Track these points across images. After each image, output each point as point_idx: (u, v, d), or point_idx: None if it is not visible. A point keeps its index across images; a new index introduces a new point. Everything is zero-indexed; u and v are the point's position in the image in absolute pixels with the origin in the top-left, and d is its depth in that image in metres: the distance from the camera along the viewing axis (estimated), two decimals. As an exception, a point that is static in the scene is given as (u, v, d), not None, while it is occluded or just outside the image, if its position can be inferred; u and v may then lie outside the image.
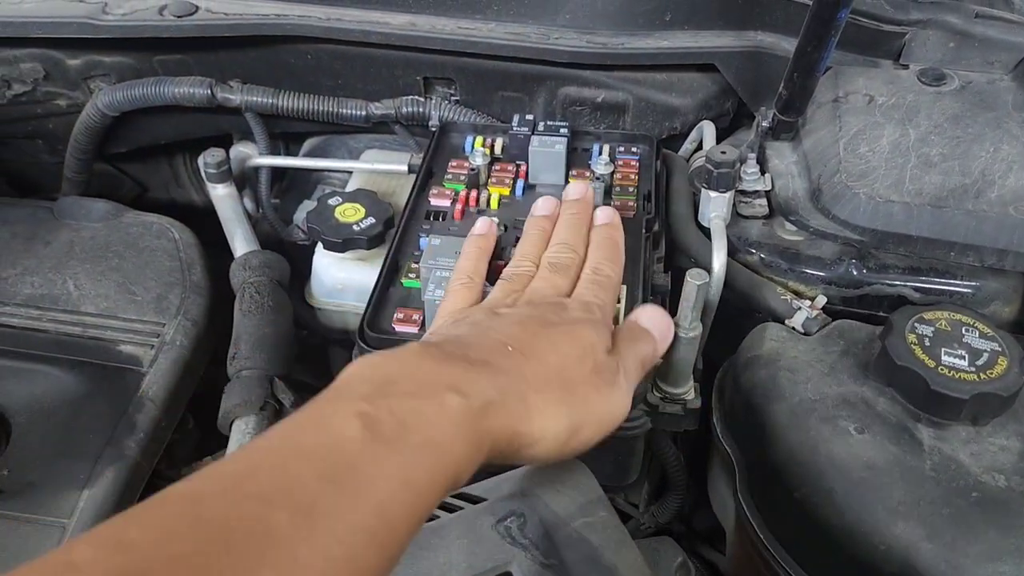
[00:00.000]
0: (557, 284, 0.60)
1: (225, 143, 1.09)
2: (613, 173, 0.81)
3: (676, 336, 0.63)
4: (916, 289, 0.74)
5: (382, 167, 0.98)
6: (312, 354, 1.03)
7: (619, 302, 0.65)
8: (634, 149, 0.85)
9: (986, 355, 0.62)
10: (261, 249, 0.95)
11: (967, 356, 0.62)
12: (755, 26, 0.89)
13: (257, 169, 1.06)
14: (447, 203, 0.79)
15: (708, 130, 0.87)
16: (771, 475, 0.62)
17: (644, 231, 0.75)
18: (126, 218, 0.96)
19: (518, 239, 0.70)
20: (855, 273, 0.75)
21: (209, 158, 0.95)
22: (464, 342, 0.50)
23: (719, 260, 0.72)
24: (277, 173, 1.12)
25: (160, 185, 1.24)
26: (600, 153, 0.83)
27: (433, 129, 0.88)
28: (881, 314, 0.75)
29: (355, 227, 0.87)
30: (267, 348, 0.84)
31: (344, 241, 0.86)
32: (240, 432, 0.79)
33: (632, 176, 0.81)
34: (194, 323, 0.85)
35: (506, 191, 0.80)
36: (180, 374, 0.81)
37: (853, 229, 0.73)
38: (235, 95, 0.95)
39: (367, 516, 0.35)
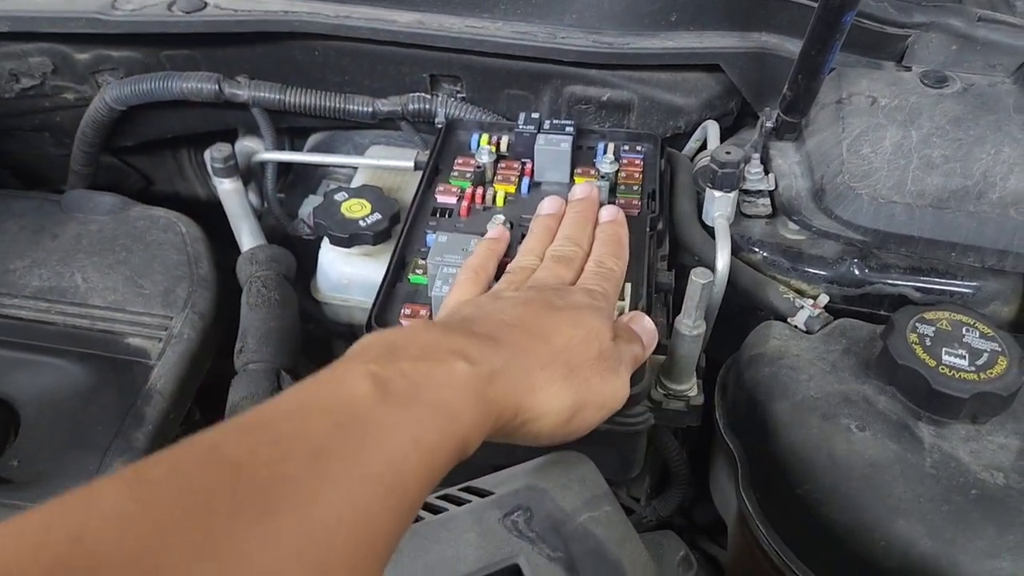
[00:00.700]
0: (560, 274, 0.61)
1: (230, 137, 1.10)
2: (618, 171, 0.82)
3: (680, 334, 0.64)
4: (917, 289, 0.75)
5: (388, 163, 0.99)
6: (317, 349, 1.04)
7: (623, 299, 0.66)
8: (639, 148, 0.86)
9: (986, 355, 0.63)
10: (267, 244, 0.96)
11: (967, 356, 0.63)
12: (760, 27, 0.89)
13: (263, 164, 1.06)
14: (453, 200, 0.80)
15: (712, 129, 0.88)
16: (773, 471, 0.63)
17: (648, 229, 0.75)
18: (133, 211, 0.97)
19: (523, 236, 0.71)
20: (857, 273, 0.76)
21: (216, 153, 0.95)
22: (469, 319, 0.52)
23: (723, 259, 0.73)
24: (282, 168, 1.12)
25: (165, 178, 1.25)
26: (605, 152, 0.84)
27: (439, 126, 0.89)
28: (882, 313, 0.76)
29: (361, 223, 0.88)
30: (273, 342, 0.84)
31: (350, 236, 0.87)
32: (247, 425, 0.80)
33: (636, 175, 0.82)
34: (201, 316, 0.86)
35: (512, 189, 0.81)
36: (188, 367, 0.82)
37: (855, 229, 0.74)
38: (242, 90, 0.96)
39: (379, 467, 0.36)
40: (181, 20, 0.88)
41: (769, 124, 0.82)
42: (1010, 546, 0.55)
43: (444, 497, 0.58)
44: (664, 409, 0.68)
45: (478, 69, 0.93)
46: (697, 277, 0.61)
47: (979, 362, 0.62)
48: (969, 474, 0.59)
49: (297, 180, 1.16)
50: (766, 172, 0.81)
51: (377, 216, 0.88)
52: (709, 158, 0.76)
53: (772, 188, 0.80)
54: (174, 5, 0.90)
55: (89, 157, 1.05)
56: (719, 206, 0.75)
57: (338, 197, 0.90)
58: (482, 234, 0.72)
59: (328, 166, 1.10)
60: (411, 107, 0.96)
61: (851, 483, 0.58)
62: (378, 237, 0.86)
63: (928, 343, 0.64)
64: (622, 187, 0.81)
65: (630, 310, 0.66)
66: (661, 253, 0.79)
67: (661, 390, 0.68)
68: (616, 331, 0.57)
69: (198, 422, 0.92)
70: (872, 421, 0.62)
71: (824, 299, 0.74)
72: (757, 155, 0.81)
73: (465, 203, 0.79)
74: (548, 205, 0.71)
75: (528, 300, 0.55)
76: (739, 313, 0.78)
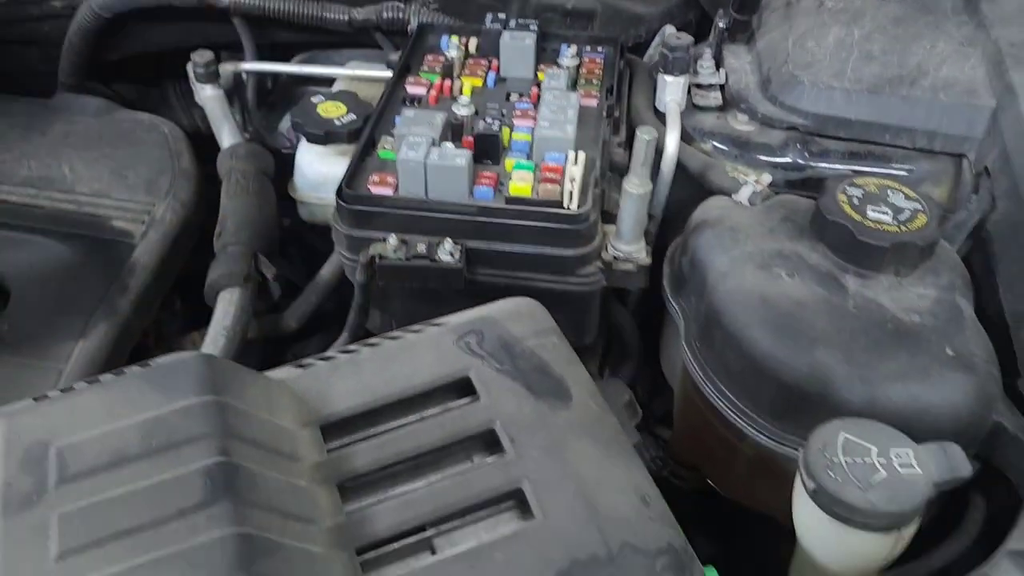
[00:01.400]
0: None
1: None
2: (579, 67, 0.87)
3: (627, 192, 0.69)
4: (855, 172, 0.80)
5: (364, 73, 1.03)
6: (293, 251, 1.08)
7: (575, 164, 0.71)
8: (599, 49, 0.91)
9: (908, 212, 0.68)
10: (247, 141, 1.00)
11: (891, 212, 0.68)
12: (717, -64, 0.94)
13: (244, 76, 1.10)
14: (423, 91, 0.84)
15: (669, 31, 0.92)
16: (711, 318, 0.68)
17: (605, 115, 0.80)
18: (119, 114, 1.01)
19: (486, 121, 0.76)
20: (799, 158, 0.81)
21: (198, 58, 0.99)
22: None
23: (672, 139, 0.78)
24: (264, 87, 1.16)
25: (150, 108, 1.28)
26: (568, 49, 0.89)
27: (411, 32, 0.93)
28: (822, 195, 0.81)
29: (336, 122, 0.92)
30: (251, 227, 0.89)
31: (326, 134, 0.91)
32: (226, 302, 0.84)
33: (597, 71, 0.87)
34: (183, 204, 0.90)
35: (478, 82, 0.86)
36: (169, 247, 0.87)
37: (797, 114, 0.79)
38: (224, -4, 1.00)
39: None
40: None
41: (722, 24, 0.87)
42: (919, 367, 0.60)
43: (404, 330, 0.63)
44: (614, 270, 0.73)
45: (449, -23, 0.98)
46: (642, 134, 0.66)
47: (901, 218, 0.67)
48: (887, 313, 0.64)
49: (278, 100, 1.20)
50: (718, 67, 0.86)
51: (352, 116, 0.93)
52: (661, 45, 0.81)
53: (723, 83, 0.85)
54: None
55: (77, 67, 1.09)
56: (671, 91, 0.80)
57: (315, 99, 0.95)
58: (448, 113, 0.77)
59: (308, 78, 1.14)
60: (385, 15, 1.01)
61: (778, 318, 0.63)
62: (352, 136, 0.91)
63: (856, 202, 0.69)
64: (583, 81, 0.86)
65: (582, 183, 0.70)
66: (618, 140, 0.84)
67: (611, 251, 0.73)
68: None
69: (178, 310, 0.97)
70: (802, 270, 0.67)
71: (767, 178, 0.79)
72: (710, 51, 0.86)
73: (434, 93, 0.84)
74: None
75: None
76: (690, 201, 0.83)
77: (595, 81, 0.85)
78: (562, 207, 0.69)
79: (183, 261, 0.89)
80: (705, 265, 0.70)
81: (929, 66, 0.80)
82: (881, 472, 0.52)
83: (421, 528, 0.50)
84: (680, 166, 0.81)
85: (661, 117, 0.84)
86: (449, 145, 0.73)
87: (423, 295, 0.75)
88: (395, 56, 0.96)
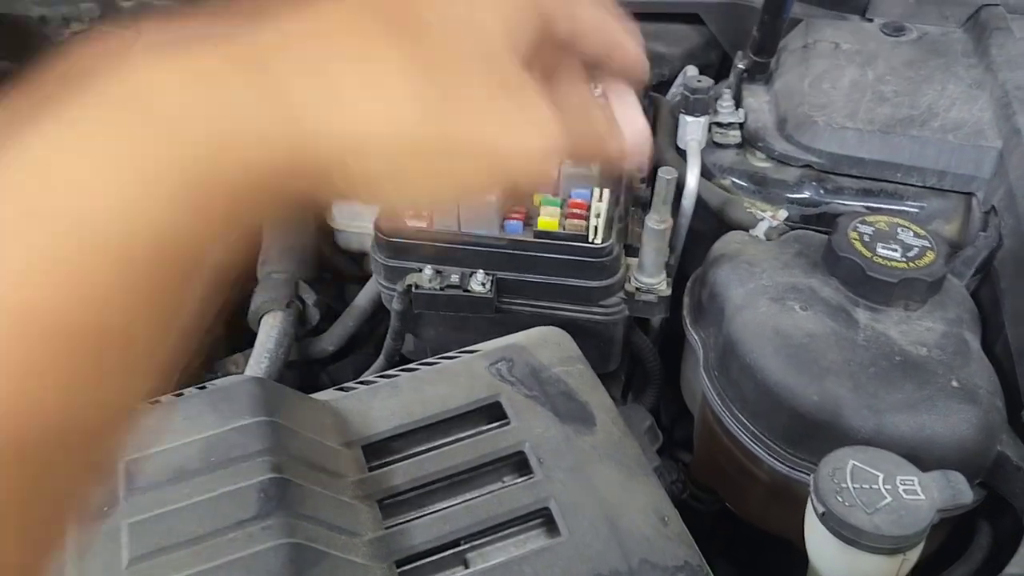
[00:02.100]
0: None
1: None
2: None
3: (649, 228, 0.73)
4: (868, 208, 0.84)
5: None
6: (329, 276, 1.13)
7: (600, 200, 0.75)
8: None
9: (916, 249, 0.71)
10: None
11: (900, 249, 0.71)
12: (737, -20, 0.99)
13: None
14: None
15: (691, 70, 0.97)
16: (728, 349, 0.71)
17: (629, 152, 0.85)
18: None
19: None
20: (814, 195, 0.85)
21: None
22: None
23: (693, 176, 0.82)
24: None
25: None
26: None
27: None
28: (836, 230, 0.84)
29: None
30: (294, 256, 0.94)
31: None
32: (269, 325, 0.89)
33: (621, 110, 0.91)
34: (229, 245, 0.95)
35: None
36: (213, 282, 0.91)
37: (812, 152, 0.83)
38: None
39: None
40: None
41: (741, 65, 0.91)
42: (924, 399, 0.64)
43: (440, 357, 0.68)
44: (636, 301, 0.77)
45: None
46: (663, 174, 0.70)
47: (910, 254, 0.71)
48: (896, 346, 0.67)
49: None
50: (737, 106, 0.90)
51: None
52: (682, 86, 0.86)
53: (742, 121, 0.90)
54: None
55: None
56: (691, 130, 0.84)
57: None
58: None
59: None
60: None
61: (790, 349, 0.67)
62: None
63: (867, 239, 0.72)
64: (607, 119, 0.90)
65: (606, 219, 0.74)
66: (641, 176, 0.88)
67: (634, 283, 0.77)
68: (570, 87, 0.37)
69: (220, 335, 1.02)
70: (814, 304, 0.71)
71: (783, 213, 0.83)
72: (730, 91, 0.90)
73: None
74: None
75: None
76: (711, 233, 0.87)
77: (619, 119, 0.90)
78: (587, 241, 0.74)
79: (227, 291, 0.94)
80: (723, 297, 0.74)
81: (939, 108, 0.84)
82: (887, 498, 0.55)
83: (455, 543, 0.54)
84: (700, 201, 0.85)
85: (682, 154, 0.88)
86: (481, 181, 0.78)
87: (455, 322, 0.80)
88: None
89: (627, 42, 0.38)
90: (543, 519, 0.56)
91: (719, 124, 0.90)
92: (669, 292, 0.77)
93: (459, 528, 0.54)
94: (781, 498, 0.69)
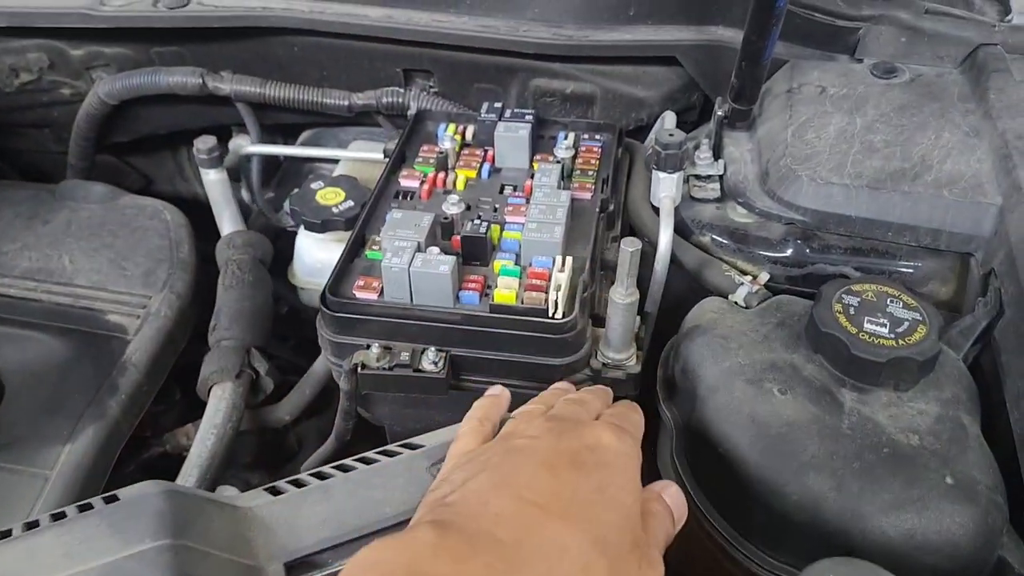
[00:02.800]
0: (577, 411, 0.55)
1: (224, 136, 1.15)
2: (575, 157, 0.86)
3: (614, 302, 0.67)
4: (858, 268, 0.78)
5: (364, 155, 1.03)
6: (290, 330, 1.08)
7: (562, 270, 0.69)
8: (598, 137, 0.89)
9: (907, 323, 0.65)
10: (246, 230, 1.01)
11: (888, 324, 0.65)
12: (715, 21, 0.93)
13: (249, 158, 1.11)
14: (416, 184, 0.84)
15: (669, 118, 0.91)
16: (700, 434, 0.65)
17: (598, 210, 0.79)
18: (122, 200, 1.02)
19: (480, 216, 0.75)
20: (799, 254, 0.79)
21: (201, 144, 1.00)
22: (477, 514, 0.44)
23: (665, 237, 0.76)
24: (271, 167, 1.17)
25: (165, 178, 1.30)
26: (565, 139, 0.88)
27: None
28: (823, 292, 0.78)
29: (334, 209, 0.92)
30: (245, 320, 0.89)
31: (323, 222, 0.91)
32: (217, 398, 0.84)
33: (593, 161, 0.86)
34: (179, 296, 0.90)
35: (472, 173, 0.85)
36: (163, 342, 0.86)
37: (796, 210, 0.77)
38: (225, 84, 1.01)
39: None
40: (164, 15, 0.94)
41: (720, 112, 0.85)
42: (914, 499, 0.57)
43: (380, 452, 0.62)
44: (603, 378, 0.71)
45: (447, 63, 0.97)
46: (626, 246, 0.64)
47: (899, 330, 0.64)
48: (884, 435, 0.61)
49: (286, 178, 1.21)
50: (716, 158, 0.84)
51: (349, 203, 0.93)
52: (654, 140, 0.80)
53: (721, 173, 0.83)
54: (159, 1, 0.95)
55: (85, 151, 1.10)
56: (664, 187, 0.78)
57: (314, 186, 0.95)
58: (438, 214, 0.76)
59: (313, 161, 1.15)
60: (385, 100, 1.01)
61: (768, 441, 0.61)
62: (350, 223, 0.91)
63: (852, 312, 0.66)
64: (577, 172, 0.84)
65: (570, 284, 0.69)
66: (612, 234, 0.82)
67: (601, 359, 0.71)
68: (645, 502, 0.50)
69: (178, 401, 0.97)
70: (795, 385, 0.64)
71: (765, 276, 0.77)
72: (708, 141, 0.84)
73: (427, 186, 0.83)
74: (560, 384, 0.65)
75: (549, 455, 0.48)
76: (688, 295, 0.80)
77: (591, 172, 0.84)
78: (547, 316, 0.68)
79: (177, 355, 0.89)
80: (695, 376, 0.68)
81: (933, 159, 0.77)
82: (869, 621, 0.49)
83: None
84: (676, 261, 0.79)
85: (657, 210, 0.82)
86: (435, 249, 0.72)
87: (409, 400, 0.74)
88: (392, 144, 0.96)
89: None
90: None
91: (697, 176, 0.84)
92: (639, 369, 0.70)
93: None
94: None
